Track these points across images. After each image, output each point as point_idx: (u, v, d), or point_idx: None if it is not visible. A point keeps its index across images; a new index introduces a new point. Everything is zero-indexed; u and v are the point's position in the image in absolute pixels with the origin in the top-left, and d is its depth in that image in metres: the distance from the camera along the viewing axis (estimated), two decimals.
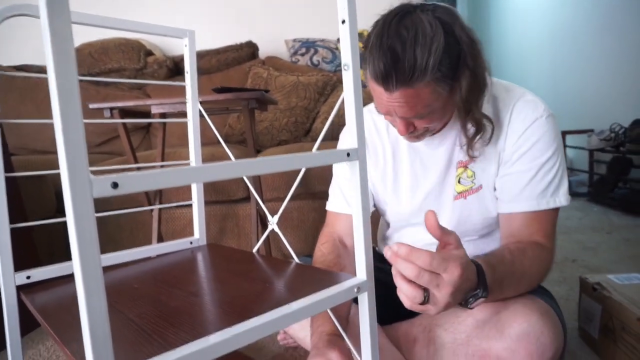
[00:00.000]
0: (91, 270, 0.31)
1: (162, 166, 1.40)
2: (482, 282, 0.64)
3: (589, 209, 2.85)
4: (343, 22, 0.51)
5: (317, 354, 0.69)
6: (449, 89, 0.72)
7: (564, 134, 3.49)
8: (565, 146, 3.50)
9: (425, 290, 0.56)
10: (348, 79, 0.51)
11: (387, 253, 0.55)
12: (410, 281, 0.55)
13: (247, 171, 0.42)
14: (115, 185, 0.32)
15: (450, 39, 0.68)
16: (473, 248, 0.92)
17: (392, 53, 0.67)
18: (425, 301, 0.56)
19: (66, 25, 0.29)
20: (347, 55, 0.51)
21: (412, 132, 0.77)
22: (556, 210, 0.81)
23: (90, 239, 0.30)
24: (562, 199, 0.80)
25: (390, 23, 0.69)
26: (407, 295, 0.55)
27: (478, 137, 0.78)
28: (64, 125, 0.29)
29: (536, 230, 0.79)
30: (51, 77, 0.29)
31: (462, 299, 0.62)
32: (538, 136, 0.79)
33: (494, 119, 0.82)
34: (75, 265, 0.30)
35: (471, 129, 0.79)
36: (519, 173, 0.80)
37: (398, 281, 0.55)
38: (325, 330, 0.74)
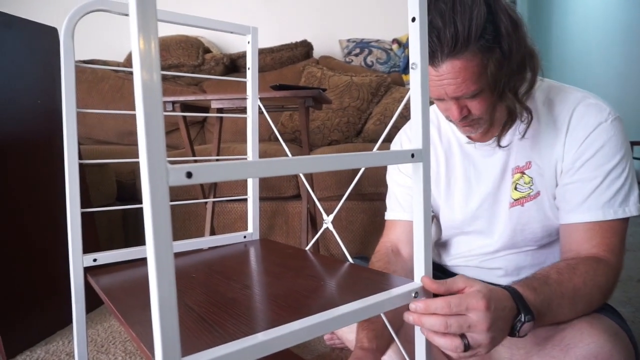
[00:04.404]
0: (164, 254, 0.31)
1: (217, 160, 1.43)
2: (523, 306, 0.60)
3: None
4: (413, 19, 0.50)
5: None
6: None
7: (631, 144, 3.27)
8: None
9: (463, 336, 0.53)
10: (416, 77, 0.50)
11: (409, 318, 0.53)
12: (444, 334, 0.52)
13: (315, 167, 0.42)
14: (189, 175, 0.33)
15: (491, 11, 0.67)
16: (531, 259, 0.87)
17: (435, 28, 0.66)
18: (469, 347, 0.53)
19: (152, 21, 0.30)
20: (416, 54, 0.50)
21: (467, 116, 0.75)
22: (625, 221, 0.75)
23: (164, 225, 0.31)
24: (632, 208, 0.74)
25: (429, 1, 0.68)
26: (447, 348, 0.53)
27: (508, 126, 0.76)
28: (146, 116, 0.30)
29: (598, 243, 0.74)
30: (136, 70, 0.30)
31: (508, 327, 0.58)
32: (602, 142, 0.74)
33: (549, 124, 0.78)
34: (149, 249, 0.31)
35: (502, 117, 0.77)
36: (583, 181, 0.75)
37: (433, 338, 0.53)
38: (364, 345, 0.75)
